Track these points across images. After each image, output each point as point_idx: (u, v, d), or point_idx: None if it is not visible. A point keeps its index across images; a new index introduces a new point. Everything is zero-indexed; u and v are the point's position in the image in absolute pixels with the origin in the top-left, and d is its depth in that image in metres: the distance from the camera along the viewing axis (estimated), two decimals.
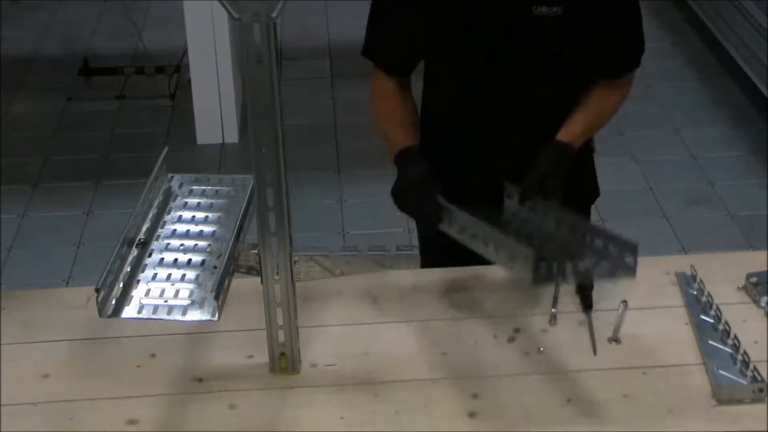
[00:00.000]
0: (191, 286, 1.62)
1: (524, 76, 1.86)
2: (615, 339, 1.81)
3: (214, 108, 4.33)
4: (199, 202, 1.81)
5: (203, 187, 1.85)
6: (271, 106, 1.49)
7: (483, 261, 1.67)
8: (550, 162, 1.77)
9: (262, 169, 1.54)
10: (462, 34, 1.84)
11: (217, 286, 1.57)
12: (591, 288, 1.89)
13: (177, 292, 1.61)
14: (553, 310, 1.87)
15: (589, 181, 2.13)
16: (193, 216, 1.79)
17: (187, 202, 1.82)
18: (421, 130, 1.97)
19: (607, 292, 1.88)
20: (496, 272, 1.93)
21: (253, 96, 1.49)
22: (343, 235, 3.61)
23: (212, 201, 1.82)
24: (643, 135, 4.31)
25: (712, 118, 4.46)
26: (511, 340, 1.81)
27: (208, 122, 4.34)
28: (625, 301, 1.88)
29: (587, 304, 1.87)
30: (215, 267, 1.66)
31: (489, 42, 1.83)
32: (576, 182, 1.89)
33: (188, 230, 1.75)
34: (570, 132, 1.83)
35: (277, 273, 1.62)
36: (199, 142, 4.36)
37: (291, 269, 1.62)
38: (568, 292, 1.91)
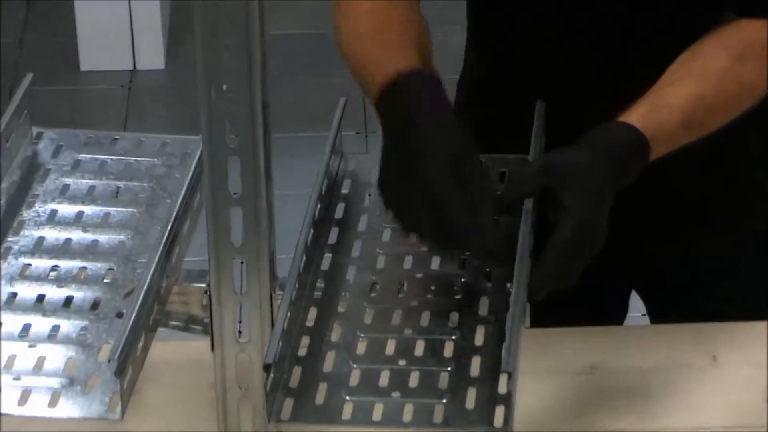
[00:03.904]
0: (70, 350, 1.54)
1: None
2: None
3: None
4: (92, 186, 1.76)
5: (102, 157, 1.80)
6: None
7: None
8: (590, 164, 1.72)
9: (221, 122, 1.43)
10: None
11: (122, 350, 1.47)
12: None
13: (40, 361, 1.53)
14: None
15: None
16: (81, 212, 1.72)
17: (68, 185, 1.77)
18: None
19: None
20: None
21: None
22: None
23: (119, 183, 1.77)
24: None
25: None
26: None
27: (100, 29, 4.34)
28: None
29: None
30: (120, 314, 1.58)
31: None
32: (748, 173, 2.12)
33: (69, 239, 1.69)
34: (652, 117, 1.80)
35: (240, 333, 1.53)
36: (83, 67, 4.43)
37: (272, 323, 1.54)
38: None
